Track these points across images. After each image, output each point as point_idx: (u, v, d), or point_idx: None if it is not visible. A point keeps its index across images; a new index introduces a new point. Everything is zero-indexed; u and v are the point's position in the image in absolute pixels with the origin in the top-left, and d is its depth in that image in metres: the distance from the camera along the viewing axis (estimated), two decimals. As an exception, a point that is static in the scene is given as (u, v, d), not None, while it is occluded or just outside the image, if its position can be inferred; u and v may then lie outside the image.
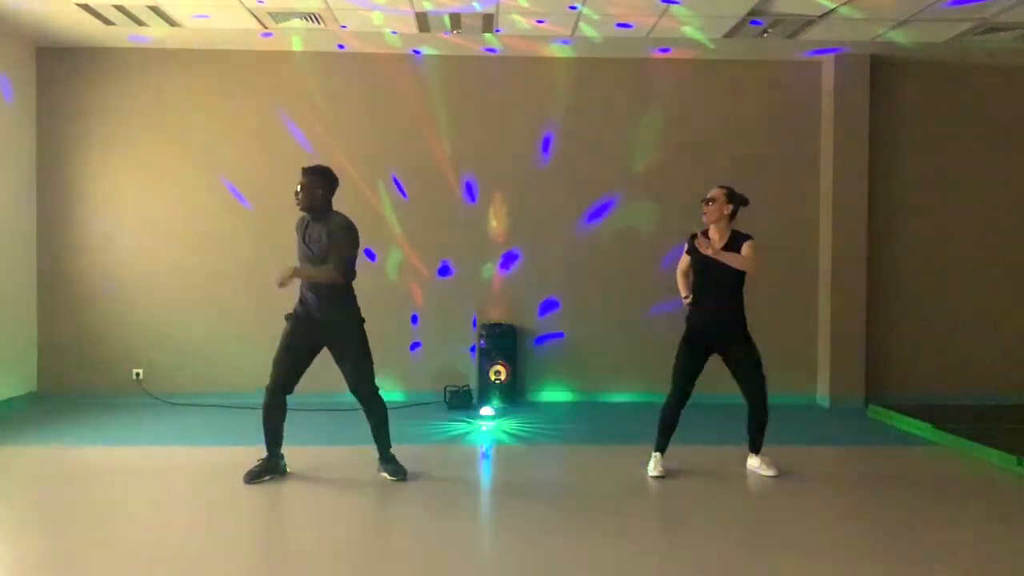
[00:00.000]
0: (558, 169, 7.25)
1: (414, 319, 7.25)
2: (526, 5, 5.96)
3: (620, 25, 6.36)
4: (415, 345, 7.26)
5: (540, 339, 7.29)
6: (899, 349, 7.37)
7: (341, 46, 7.07)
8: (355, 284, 4.72)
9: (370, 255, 7.10)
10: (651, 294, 7.17)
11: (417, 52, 7.15)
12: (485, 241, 7.26)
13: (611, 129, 7.27)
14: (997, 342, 7.39)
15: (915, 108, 7.36)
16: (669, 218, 7.10)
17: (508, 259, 7.28)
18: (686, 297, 4.95)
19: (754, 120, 7.32)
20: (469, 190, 7.24)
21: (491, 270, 7.24)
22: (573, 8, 6.01)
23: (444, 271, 7.26)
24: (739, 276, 4.74)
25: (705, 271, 4.77)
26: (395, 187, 7.20)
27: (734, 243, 4.74)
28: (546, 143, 7.22)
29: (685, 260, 4.98)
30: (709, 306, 4.78)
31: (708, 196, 4.80)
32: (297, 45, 7.03)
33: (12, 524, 4.05)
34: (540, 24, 6.36)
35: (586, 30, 6.48)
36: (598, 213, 7.28)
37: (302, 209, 4.64)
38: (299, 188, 4.61)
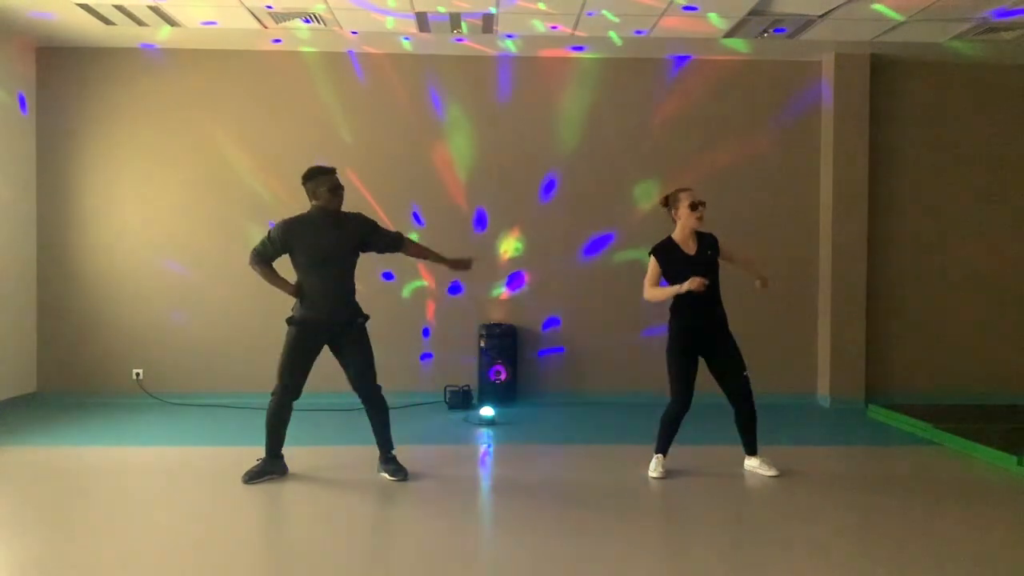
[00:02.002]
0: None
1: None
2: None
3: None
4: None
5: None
6: (899, 349, 7.37)
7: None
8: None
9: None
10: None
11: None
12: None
13: (611, 136, 7.28)
14: (997, 342, 7.39)
15: (915, 108, 7.36)
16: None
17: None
18: (686, 289, 4.58)
19: (754, 120, 7.32)
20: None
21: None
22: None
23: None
24: (717, 274, 4.78)
25: (690, 275, 4.65)
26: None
27: (704, 242, 4.78)
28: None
29: (656, 272, 4.76)
30: (700, 308, 4.73)
31: (700, 200, 4.77)
32: (303, 47, 7.03)
33: (12, 524, 4.05)
34: (543, 23, 6.37)
35: (587, 29, 6.49)
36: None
37: (338, 209, 4.63)
38: (340, 188, 4.62)
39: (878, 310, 7.33)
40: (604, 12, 6.04)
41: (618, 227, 7.28)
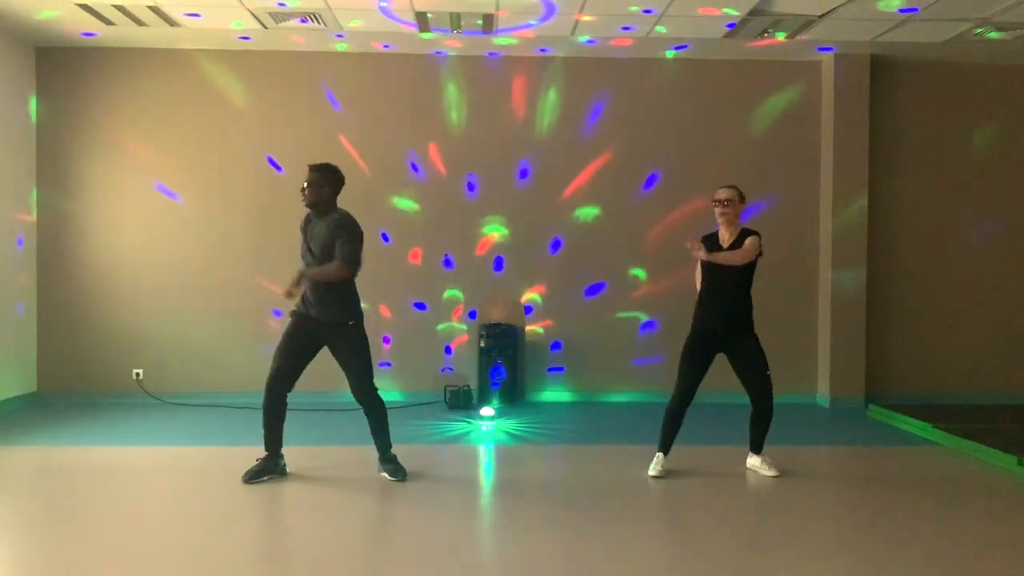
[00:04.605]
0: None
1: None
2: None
3: (624, 28, 6.38)
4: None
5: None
6: (899, 349, 7.37)
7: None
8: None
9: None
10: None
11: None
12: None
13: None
14: (997, 342, 7.39)
15: (915, 108, 7.36)
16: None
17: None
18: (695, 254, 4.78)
19: (754, 120, 7.32)
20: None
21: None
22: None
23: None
24: (746, 274, 4.77)
25: (713, 270, 4.76)
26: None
27: (742, 239, 4.76)
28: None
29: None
30: (717, 305, 4.77)
31: (723, 198, 4.79)
32: (306, 47, 7.04)
33: (12, 524, 4.05)
34: (534, 25, 6.37)
35: (585, 29, 6.49)
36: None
37: (308, 206, 4.61)
38: (306, 185, 4.58)
39: (878, 310, 7.33)
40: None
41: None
